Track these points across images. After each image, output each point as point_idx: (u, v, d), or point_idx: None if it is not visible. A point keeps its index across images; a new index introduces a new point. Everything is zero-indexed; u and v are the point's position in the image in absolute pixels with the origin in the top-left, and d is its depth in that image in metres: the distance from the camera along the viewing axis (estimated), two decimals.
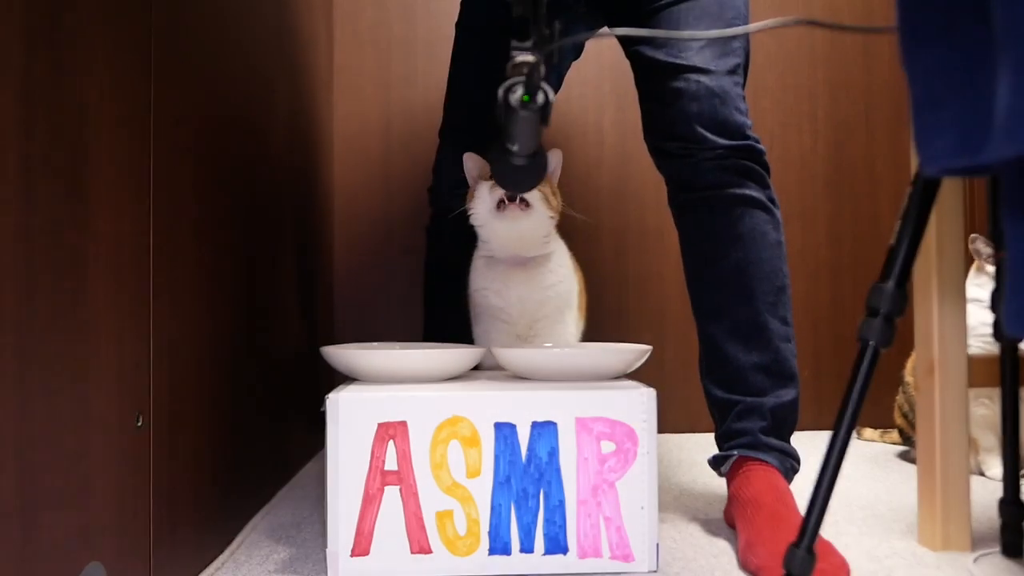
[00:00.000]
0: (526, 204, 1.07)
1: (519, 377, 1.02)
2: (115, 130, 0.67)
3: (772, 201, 1.10)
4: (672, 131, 1.08)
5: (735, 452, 1.07)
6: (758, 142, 1.10)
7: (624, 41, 1.18)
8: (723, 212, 1.08)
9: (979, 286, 1.35)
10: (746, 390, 1.07)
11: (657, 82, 1.09)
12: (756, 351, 1.07)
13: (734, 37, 1.07)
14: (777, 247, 1.09)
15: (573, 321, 1.25)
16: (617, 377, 1.01)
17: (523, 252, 1.12)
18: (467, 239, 1.14)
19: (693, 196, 1.10)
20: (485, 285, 1.14)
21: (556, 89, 1.25)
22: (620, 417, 0.90)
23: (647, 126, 1.13)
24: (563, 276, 1.16)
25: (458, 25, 1.31)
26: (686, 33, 0.80)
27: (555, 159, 1.22)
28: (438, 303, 1.32)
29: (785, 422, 1.07)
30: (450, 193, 1.21)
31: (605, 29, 1.22)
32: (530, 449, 0.89)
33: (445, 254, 1.29)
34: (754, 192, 1.08)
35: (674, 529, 1.08)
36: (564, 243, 1.19)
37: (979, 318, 1.27)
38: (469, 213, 1.10)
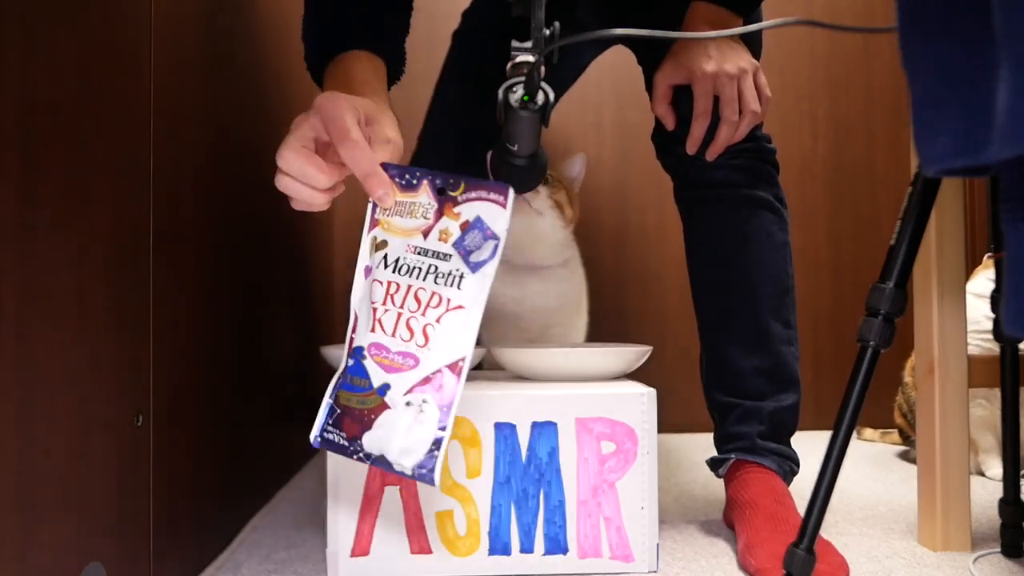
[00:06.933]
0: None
1: (519, 377, 1.02)
2: (115, 129, 0.67)
3: (780, 201, 1.09)
4: (684, 132, 1.07)
5: (732, 455, 1.07)
6: (768, 141, 1.09)
7: (635, 48, 1.18)
8: (729, 211, 1.07)
9: (990, 280, 1.32)
10: (745, 393, 1.07)
11: None
12: (756, 355, 1.06)
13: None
14: (783, 248, 1.08)
15: (583, 324, 1.25)
16: (617, 377, 1.01)
17: (537, 260, 1.11)
18: None
19: (699, 194, 1.10)
20: (502, 291, 1.13)
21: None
22: (620, 417, 0.90)
23: (658, 126, 1.12)
24: (577, 282, 1.16)
25: (457, 33, 1.31)
26: (687, 34, 0.81)
27: (579, 164, 1.21)
28: None
29: (784, 426, 1.07)
30: None
31: (605, 31, 1.22)
32: (530, 449, 0.89)
33: None
34: (762, 192, 1.07)
35: (674, 529, 1.08)
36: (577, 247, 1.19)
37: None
38: None
